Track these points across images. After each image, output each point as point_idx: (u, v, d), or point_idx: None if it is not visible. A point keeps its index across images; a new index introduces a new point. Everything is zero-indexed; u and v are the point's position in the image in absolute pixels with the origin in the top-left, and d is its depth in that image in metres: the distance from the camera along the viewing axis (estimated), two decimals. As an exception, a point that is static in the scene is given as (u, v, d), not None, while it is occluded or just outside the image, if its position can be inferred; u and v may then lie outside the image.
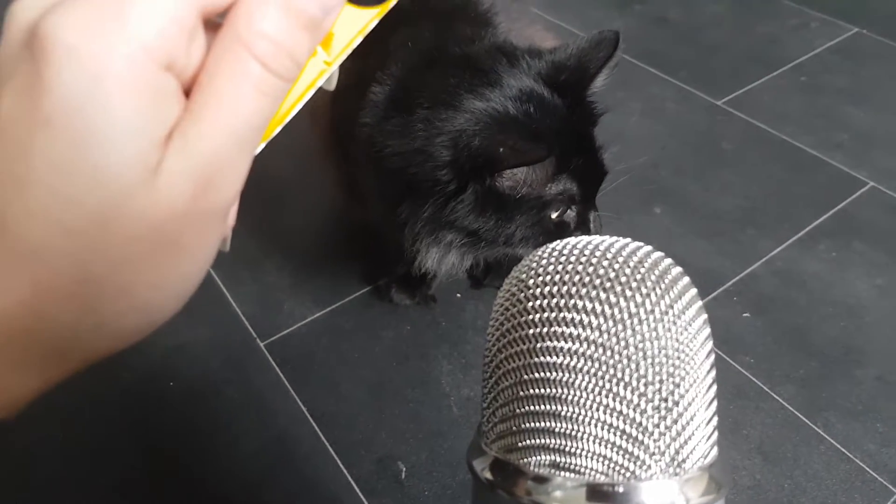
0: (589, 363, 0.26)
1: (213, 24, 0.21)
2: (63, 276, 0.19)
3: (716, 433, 0.28)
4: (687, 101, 1.22)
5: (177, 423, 0.80)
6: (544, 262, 0.29)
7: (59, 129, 0.18)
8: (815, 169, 1.07)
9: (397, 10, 0.26)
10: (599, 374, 0.26)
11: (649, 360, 0.26)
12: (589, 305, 0.26)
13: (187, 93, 0.20)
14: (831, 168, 1.07)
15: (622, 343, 0.26)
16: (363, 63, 0.69)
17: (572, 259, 0.28)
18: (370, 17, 0.25)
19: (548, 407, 0.27)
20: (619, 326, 0.26)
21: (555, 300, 0.27)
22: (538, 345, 0.27)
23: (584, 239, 0.29)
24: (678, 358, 0.26)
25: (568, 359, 0.26)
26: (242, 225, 1.07)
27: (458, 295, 0.92)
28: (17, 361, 0.20)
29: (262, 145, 0.23)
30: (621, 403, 0.26)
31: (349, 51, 0.25)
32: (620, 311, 0.26)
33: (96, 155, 0.18)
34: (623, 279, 0.27)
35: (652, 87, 1.25)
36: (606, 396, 0.26)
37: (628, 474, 0.26)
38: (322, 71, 0.24)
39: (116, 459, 0.76)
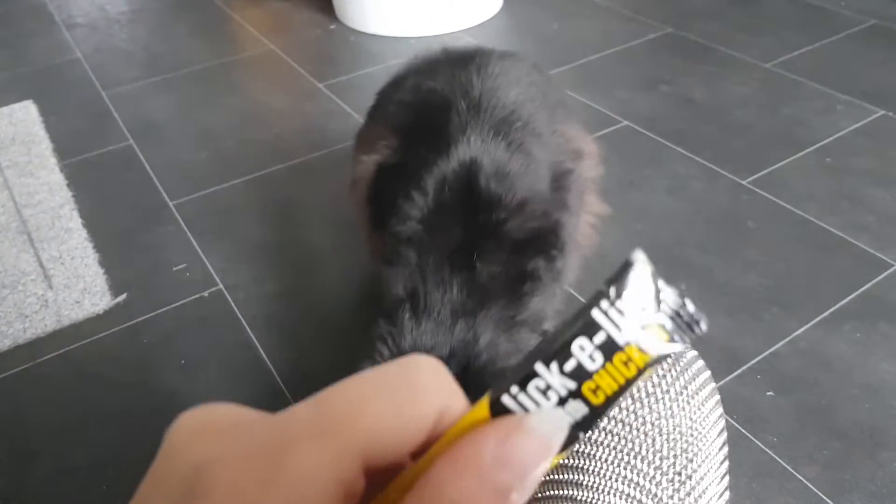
0: (609, 437, 0.29)
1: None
2: None
3: (727, 507, 0.31)
4: (712, 180, 1.25)
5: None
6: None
7: None
8: (840, 250, 1.09)
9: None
10: (619, 447, 0.29)
11: (665, 436, 0.29)
12: (610, 384, 0.29)
13: None
14: (856, 249, 1.09)
15: (640, 420, 0.29)
16: (408, 144, 0.74)
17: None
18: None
19: (571, 477, 0.29)
20: (638, 405, 0.29)
21: (579, 378, 0.30)
22: (563, 418, 0.30)
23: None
24: (691, 435, 0.29)
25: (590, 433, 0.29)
26: (282, 294, 1.08)
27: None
28: None
29: None
30: (638, 475, 0.29)
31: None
32: (638, 391, 0.29)
33: None
34: (641, 361, 0.30)
35: (677, 165, 1.29)
36: (625, 468, 0.29)
37: (644, 542, 0.29)
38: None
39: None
